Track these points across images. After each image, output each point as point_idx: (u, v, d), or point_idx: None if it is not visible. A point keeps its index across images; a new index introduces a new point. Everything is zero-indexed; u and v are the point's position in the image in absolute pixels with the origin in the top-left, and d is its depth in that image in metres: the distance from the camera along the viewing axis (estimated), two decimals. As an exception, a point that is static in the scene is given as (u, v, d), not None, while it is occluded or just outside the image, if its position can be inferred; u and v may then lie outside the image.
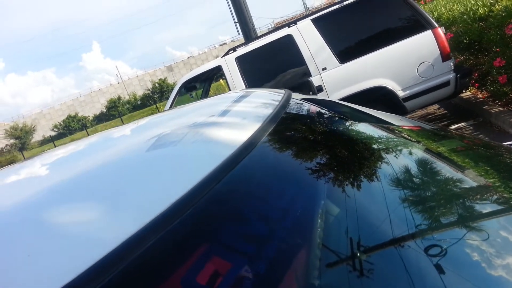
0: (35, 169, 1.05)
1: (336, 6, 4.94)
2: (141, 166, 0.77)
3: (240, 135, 0.82)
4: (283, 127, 0.95)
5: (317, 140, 0.99)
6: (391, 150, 1.00)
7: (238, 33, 12.01)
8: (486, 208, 0.82)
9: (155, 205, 0.55)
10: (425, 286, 0.58)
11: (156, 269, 0.48)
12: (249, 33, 10.98)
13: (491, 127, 4.34)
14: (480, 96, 5.16)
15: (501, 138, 3.96)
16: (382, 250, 0.64)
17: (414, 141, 1.13)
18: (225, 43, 62.20)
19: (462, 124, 4.84)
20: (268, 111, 0.98)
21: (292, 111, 1.08)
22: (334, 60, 4.64)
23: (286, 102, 1.06)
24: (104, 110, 60.91)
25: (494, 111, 4.37)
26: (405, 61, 4.42)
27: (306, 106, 1.19)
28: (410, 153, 1.01)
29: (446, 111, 5.79)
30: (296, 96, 1.26)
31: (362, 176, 0.84)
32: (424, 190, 0.87)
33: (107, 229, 0.54)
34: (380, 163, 0.92)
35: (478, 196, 0.85)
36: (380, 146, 1.02)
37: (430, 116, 5.82)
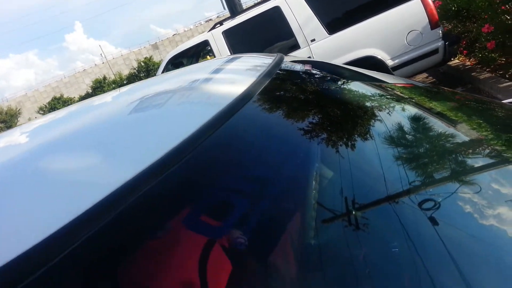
0: (33, 128, 1.03)
1: (324, -24, 4.86)
2: (132, 123, 0.77)
3: (232, 91, 0.81)
4: (275, 86, 0.94)
5: (310, 100, 0.98)
6: (384, 107, 1.00)
7: (224, 8, 11.81)
8: (478, 161, 0.82)
9: (148, 155, 0.55)
10: (420, 238, 0.59)
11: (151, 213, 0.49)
12: (235, 8, 10.79)
13: (479, 93, 4.37)
14: (468, 63, 5.17)
15: (489, 104, 3.98)
16: (377, 207, 0.64)
17: (407, 98, 1.12)
18: (210, 19, 61.16)
19: (451, 92, 4.85)
20: (260, 70, 0.96)
21: (284, 71, 1.06)
22: (322, 31, 4.59)
23: (279, 62, 1.04)
24: (90, 91, 59.93)
25: (482, 77, 4.39)
26: (394, 30, 4.39)
27: (299, 66, 1.17)
28: (403, 110, 1.01)
29: (434, 79, 5.80)
30: (289, 59, 1.24)
31: (356, 135, 0.84)
32: (418, 147, 0.87)
33: (105, 175, 0.54)
34: (373, 121, 0.92)
35: (471, 150, 0.85)
36: (373, 104, 1.01)
37: (419, 85, 5.83)
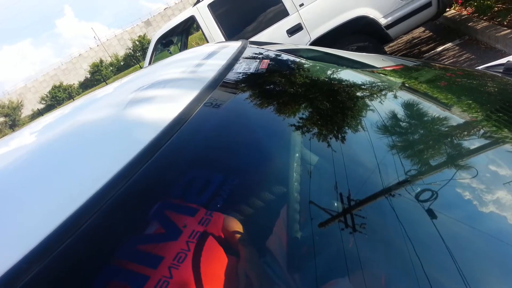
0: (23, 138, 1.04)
1: None
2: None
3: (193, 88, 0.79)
4: (240, 77, 0.90)
5: (290, 90, 0.93)
6: (374, 95, 0.95)
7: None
8: (473, 144, 0.79)
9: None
10: (419, 233, 0.57)
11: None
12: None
13: (477, 45, 4.22)
14: (464, 13, 4.99)
15: (488, 55, 3.86)
16: (373, 201, 0.61)
17: (396, 83, 1.07)
18: (200, -11, 59.72)
19: (448, 44, 4.71)
20: (222, 62, 0.93)
21: (248, 60, 1.01)
22: None
23: (240, 52, 0.99)
24: (88, 76, 59.66)
25: (479, 27, 4.23)
26: None
27: (268, 54, 1.11)
28: (394, 97, 0.96)
29: (431, 33, 5.63)
30: (258, 45, 1.18)
31: (346, 126, 0.80)
32: (410, 134, 0.83)
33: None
34: (363, 109, 0.87)
35: (465, 133, 0.82)
36: (363, 93, 0.97)
37: (416, 41, 5.67)
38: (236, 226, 0.54)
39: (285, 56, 1.16)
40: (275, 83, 0.93)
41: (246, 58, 1.00)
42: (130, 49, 55.72)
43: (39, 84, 62.23)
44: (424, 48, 5.16)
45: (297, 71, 1.05)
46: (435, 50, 4.84)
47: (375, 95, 0.93)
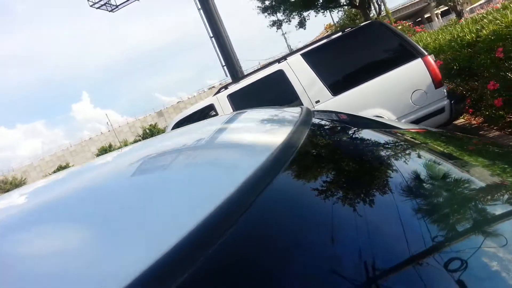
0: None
1: (325, 40, 4.99)
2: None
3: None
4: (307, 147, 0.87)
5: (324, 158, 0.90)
6: (400, 156, 0.93)
7: (226, 75, 12.19)
8: (501, 209, 0.75)
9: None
10: None
11: None
12: (236, 75, 11.13)
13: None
14: (474, 122, 5.14)
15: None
16: (399, 272, 0.56)
17: (425, 145, 1.05)
18: (213, 87, 63.10)
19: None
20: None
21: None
22: (326, 92, 4.62)
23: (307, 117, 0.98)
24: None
25: (491, 135, 4.32)
26: (398, 90, 4.41)
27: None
28: (419, 156, 0.94)
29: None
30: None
31: (374, 191, 0.76)
32: (438, 197, 0.79)
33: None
34: (390, 173, 0.85)
35: (495, 197, 0.78)
36: (389, 153, 0.94)
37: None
38: None
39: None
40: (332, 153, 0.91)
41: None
42: (139, 136, 57.15)
43: (45, 164, 62.94)
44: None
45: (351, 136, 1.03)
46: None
47: (419, 158, 0.90)
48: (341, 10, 28.45)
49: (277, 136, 0.84)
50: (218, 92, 5.16)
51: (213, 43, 11.88)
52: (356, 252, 0.59)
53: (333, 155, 0.90)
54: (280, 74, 4.77)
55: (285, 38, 47.07)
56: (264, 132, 1.01)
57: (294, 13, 25.21)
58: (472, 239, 0.64)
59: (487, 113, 4.55)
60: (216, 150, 0.90)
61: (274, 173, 0.68)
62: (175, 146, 1.03)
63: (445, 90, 4.34)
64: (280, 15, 25.74)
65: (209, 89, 63.38)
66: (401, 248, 0.60)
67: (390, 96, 4.43)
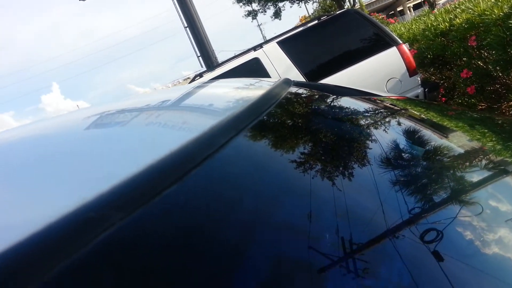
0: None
1: (301, 28, 4.96)
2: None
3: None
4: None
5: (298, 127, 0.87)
6: (379, 124, 0.93)
7: (202, 66, 12.08)
8: (478, 176, 0.75)
9: None
10: (424, 276, 0.52)
11: None
12: (212, 66, 11.04)
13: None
14: (447, 110, 5.22)
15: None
16: (376, 245, 0.56)
17: (404, 111, 1.05)
18: (188, 77, 62.54)
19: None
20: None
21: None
22: (302, 80, 4.59)
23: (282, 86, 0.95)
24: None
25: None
26: (373, 77, 4.42)
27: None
28: (399, 124, 0.93)
29: (415, 127, 5.82)
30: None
31: (349, 159, 0.75)
32: (417, 167, 0.79)
33: None
34: (367, 141, 0.83)
35: (474, 163, 0.78)
36: (368, 121, 0.92)
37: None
38: None
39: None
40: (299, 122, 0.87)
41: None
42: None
43: (14, 156, 61.33)
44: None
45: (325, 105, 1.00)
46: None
47: (398, 125, 0.88)
48: (316, 2, 28.58)
49: (246, 99, 0.81)
50: (193, 80, 5.06)
51: (187, 34, 11.70)
52: (328, 224, 0.58)
53: (307, 121, 0.88)
54: (256, 62, 4.72)
55: (260, 30, 47.05)
56: (234, 95, 0.97)
57: (269, 3, 25.16)
58: (450, 208, 0.64)
59: (460, 101, 4.62)
60: (174, 111, 0.87)
61: (231, 133, 0.64)
62: (135, 105, 0.99)
63: (419, 79, 4.38)
64: (255, 5, 25.65)
65: (184, 80, 62.76)
66: (378, 220, 0.59)
67: (366, 84, 4.44)
